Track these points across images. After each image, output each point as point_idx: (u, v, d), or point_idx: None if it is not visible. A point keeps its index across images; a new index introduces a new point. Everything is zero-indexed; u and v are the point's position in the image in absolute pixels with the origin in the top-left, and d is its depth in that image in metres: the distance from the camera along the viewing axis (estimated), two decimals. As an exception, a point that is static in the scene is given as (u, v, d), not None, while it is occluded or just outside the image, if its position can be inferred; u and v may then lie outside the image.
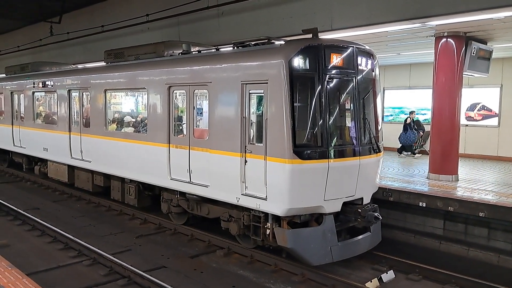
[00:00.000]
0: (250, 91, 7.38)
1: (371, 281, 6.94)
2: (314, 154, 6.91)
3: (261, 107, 7.30)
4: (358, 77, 7.55)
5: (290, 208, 6.90)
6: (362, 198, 7.72)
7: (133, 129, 10.75)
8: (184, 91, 8.75)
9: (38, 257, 8.09)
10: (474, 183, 10.67)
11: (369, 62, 7.83)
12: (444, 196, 8.94)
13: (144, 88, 9.71)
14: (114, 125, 11.20)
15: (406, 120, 15.79)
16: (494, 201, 8.61)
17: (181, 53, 9.77)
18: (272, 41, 7.61)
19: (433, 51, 11.11)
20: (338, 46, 7.44)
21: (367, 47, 7.91)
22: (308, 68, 7.02)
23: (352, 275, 7.44)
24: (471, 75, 12.00)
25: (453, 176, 10.91)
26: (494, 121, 15.61)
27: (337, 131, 7.45)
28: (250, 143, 7.39)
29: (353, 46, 7.53)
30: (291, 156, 6.73)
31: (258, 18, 11.73)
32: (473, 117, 15.96)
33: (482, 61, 11.76)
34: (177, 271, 7.55)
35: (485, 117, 15.77)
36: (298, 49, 6.90)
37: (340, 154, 7.25)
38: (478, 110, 15.87)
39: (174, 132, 9.00)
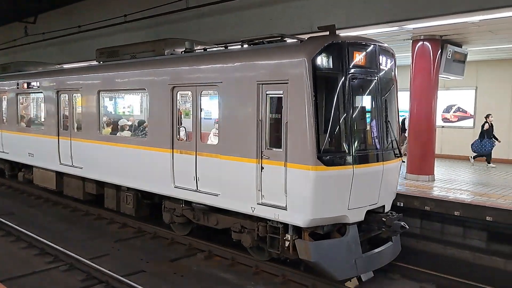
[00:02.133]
0: (267, 92, 6.82)
1: (350, 281, 6.99)
2: (339, 159, 6.50)
3: (280, 109, 6.75)
4: (380, 77, 7.13)
5: (314, 218, 6.42)
6: (384, 206, 7.35)
7: (130, 133, 10.28)
8: (189, 92, 8.10)
9: (13, 263, 7.86)
10: (450, 183, 10.90)
11: (389, 61, 7.41)
12: (420, 196, 9.11)
13: (144, 89, 9.08)
14: (109, 129, 10.66)
15: (483, 125, 14.07)
16: (468, 200, 8.81)
17: (184, 51, 9.11)
18: (285, 39, 7.22)
19: (410, 54, 11.33)
20: (361, 44, 6.95)
21: (387, 45, 7.52)
22: (331, 67, 6.57)
23: (332, 275, 7.46)
24: (446, 78, 12.29)
25: (430, 176, 11.13)
26: (469, 123, 16.01)
27: (360, 135, 7.02)
28: (267, 149, 6.85)
29: (375, 44, 7.10)
30: (315, 162, 6.23)
31: (239, 19, 11.73)
32: (449, 119, 16.34)
33: (458, 64, 12.05)
34: (156, 275, 7.45)
35: (460, 118, 16.16)
36: (322, 47, 6.40)
37: (364, 159, 6.83)
38: (454, 112, 16.25)
39: (178, 136, 8.36)
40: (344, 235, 6.82)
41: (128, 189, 9.87)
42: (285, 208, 6.63)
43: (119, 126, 10.52)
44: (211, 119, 8.50)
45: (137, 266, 7.75)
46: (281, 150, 6.65)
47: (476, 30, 10.09)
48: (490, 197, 9.12)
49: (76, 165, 11.03)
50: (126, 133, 10.32)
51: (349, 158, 6.57)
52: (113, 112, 11.13)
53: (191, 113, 8.16)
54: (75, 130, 11.24)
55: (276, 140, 6.82)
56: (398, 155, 7.53)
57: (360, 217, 6.90)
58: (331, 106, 6.58)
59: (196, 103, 8.00)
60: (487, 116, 14.08)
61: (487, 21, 8.80)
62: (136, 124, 10.23)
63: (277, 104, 6.87)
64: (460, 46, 11.89)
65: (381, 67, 7.17)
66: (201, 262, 8.11)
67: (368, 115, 7.18)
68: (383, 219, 7.02)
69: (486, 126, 13.96)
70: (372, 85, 7.09)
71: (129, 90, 10.14)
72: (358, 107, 6.99)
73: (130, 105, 11.00)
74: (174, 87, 8.30)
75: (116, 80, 10.02)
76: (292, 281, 7.22)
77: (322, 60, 6.45)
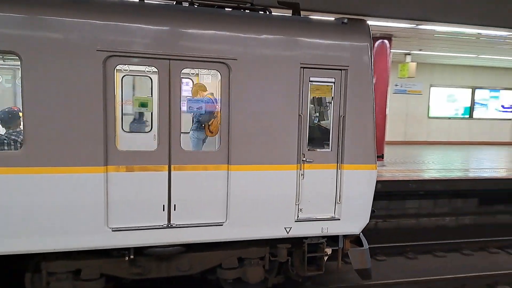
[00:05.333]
0: (312, 79, 5.49)
1: None
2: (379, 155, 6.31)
3: (326, 101, 5.81)
4: None
5: (368, 222, 5.89)
6: None
7: None
8: (154, 68, 5.05)
9: None
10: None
11: None
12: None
13: (14, 52, 4.53)
14: None
15: None
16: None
17: None
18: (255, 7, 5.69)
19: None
20: None
21: None
22: (371, 55, 5.85)
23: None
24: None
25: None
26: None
27: None
28: (309, 150, 5.57)
29: None
30: (375, 160, 5.67)
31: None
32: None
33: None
34: None
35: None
36: (369, 31, 5.69)
37: None
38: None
39: (117, 142, 5.05)
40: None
41: None
42: (336, 218, 5.71)
43: None
44: (203, 111, 5.92)
45: None
46: (329, 150, 5.66)
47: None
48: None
49: None
50: None
51: None
52: None
53: (157, 102, 5.09)
54: None
55: (321, 139, 5.79)
56: None
57: None
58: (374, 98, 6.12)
59: (169, 87, 5.04)
60: None
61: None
62: None
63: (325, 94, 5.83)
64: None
65: None
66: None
67: None
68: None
69: None
70: None
71: None
72: None
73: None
74: (110, 56, 4.77)
75: None
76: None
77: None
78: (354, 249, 6.08)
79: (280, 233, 5.55)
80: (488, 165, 14.53)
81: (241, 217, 5.36)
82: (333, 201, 5.70)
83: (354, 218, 5.77)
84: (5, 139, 5.07)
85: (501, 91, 22.49)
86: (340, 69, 5.56)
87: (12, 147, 5.04)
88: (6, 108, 5.47)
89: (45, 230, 4.72)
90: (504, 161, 15.89)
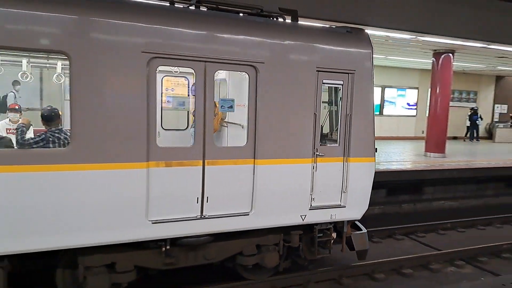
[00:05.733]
0: (324, 81, 6.13)
1: None
2: None
3: (336, 101, 6.48)
4: None
5: (367, 208, 6.65)
6: None
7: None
8: (191, 69, 5.36)
9: None
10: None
11: None
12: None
13: (63, 52, 4.50)
14: None
15: None
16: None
17: None
18: (264, 13, 6.11)
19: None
20: None
21: None
22: (372, 60, 6.60)
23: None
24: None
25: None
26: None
27: None
28: (321, 145, 6.24)
29: None
30: (374, 153, 6.47)
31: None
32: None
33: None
34: None
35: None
36: (370, 39, 6.51)
37: None
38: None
39: (156, 139, 5.13)
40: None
41: None
42: (341, 206, 6.40)
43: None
44: (232, 109, 6.14)
45: None
46: (337, 145, 6.33)
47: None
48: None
49: None
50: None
51: None
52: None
53: (194, 102, 5.38)
54: None
55: (330, 135, 6.49)
56: None
57: None
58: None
59: (205, 88, 5.32)
60: None
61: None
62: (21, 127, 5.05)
63: (332, 95, 6.49)
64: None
65: None
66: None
67: None
68: None
69: None
70: None
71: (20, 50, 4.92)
72: None
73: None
74: (153, 58, 4.91)
75: None
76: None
77: None
78: (355, 233, 6.80)
79: (297, 220, 6.09)
80: (395, 158, 15.80)
81: (264, 207, 5.79)
82: (339, 190, 6.37)
83: (356, 205, 6.48)
84: (50, 137, 5.02)
85: (407, 90, 24.54)
86: (348, 73, 6.22)
87: (56, 144, 4.99)
88: (48, 106, 5.37)
89: (90, 224, 4.74)
90: (408, 154, 17.44)
